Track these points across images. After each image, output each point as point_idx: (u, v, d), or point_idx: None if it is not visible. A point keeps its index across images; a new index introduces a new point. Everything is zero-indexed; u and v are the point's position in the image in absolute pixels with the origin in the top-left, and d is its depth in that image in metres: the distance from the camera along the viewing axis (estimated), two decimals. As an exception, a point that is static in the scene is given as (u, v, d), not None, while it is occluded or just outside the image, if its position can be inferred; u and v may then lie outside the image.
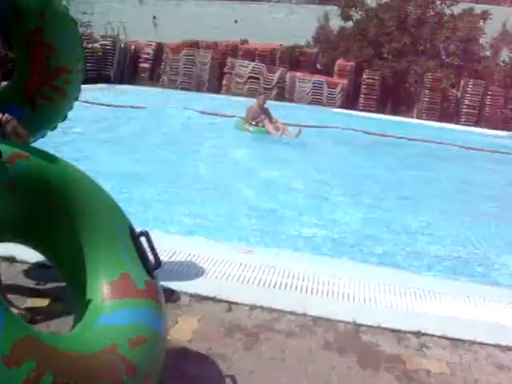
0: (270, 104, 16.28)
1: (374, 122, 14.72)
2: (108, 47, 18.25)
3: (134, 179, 6.85)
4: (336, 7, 19.79)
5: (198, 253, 4.11)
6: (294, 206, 6.42)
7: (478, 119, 17.11)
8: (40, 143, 3.09)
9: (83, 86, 3.66)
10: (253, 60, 18.16)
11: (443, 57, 17.56)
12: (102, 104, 13.52)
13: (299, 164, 9.11)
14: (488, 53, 18.16)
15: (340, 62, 17.77)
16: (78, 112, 3.53)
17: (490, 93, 17.04)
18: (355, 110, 17.18)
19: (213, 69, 18.27)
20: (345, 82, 17.23)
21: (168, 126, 11.68)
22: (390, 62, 17.43)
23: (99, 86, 17.16)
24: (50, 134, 3.60)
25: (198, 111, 13.31)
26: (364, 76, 17.38)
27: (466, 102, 17.11)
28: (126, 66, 18.80)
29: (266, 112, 11.35)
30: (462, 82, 17.24)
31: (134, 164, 7.83)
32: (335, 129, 12.72)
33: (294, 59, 18.37)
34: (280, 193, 6.93)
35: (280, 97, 17.52)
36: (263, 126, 11.05)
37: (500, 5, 19.96)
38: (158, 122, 12.03)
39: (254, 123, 11.20)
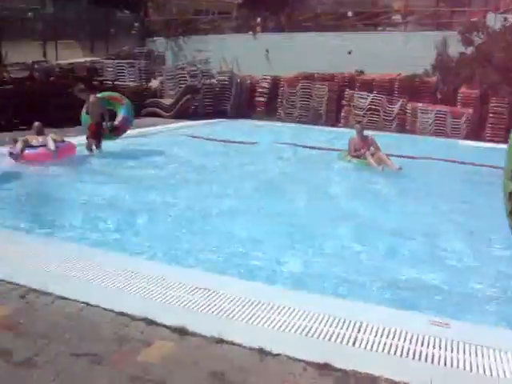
0: (392, 136, 16.06)
1: (497, 154, 13.80)
2: (225, 82, 18.55)
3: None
4: (454, 32, 19.09)
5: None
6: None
7: None
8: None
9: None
10: (370, 91, 17.77)
11: None
12: (214, 140, 13.64)
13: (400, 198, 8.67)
14: None
15: (464, 90, 16.99)
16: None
17: None
18: (481, 140, 16.33)
19: (330, 101, 18.07)
20: (470, 111, 16.43)
21: (272, 161, 11.59)
22: (520, 88, 16.42)
23: (216, 120, 17.47)
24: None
25: (305, 146, 13.07)
26: (491, 104, 16.48)
27: None
28: (242, 100, 18.99)
29: (367, 141, 11.05)
30: None
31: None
32: (449, 162, 11.96)
33: (413, 89, 17.77)
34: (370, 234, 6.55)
35: (401, 128, 16.99)
36: (365, 158, 10.72)
37: None
38: (264, 158, 11.90)
39: (355, 155, 10.97)
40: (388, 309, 4.28)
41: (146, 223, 6.67)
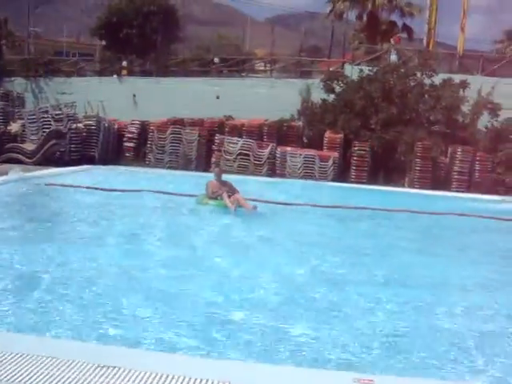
0: (260, 181, 16.34)
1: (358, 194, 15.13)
2: (92, 127, 17.84)
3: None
4: (317, 80, 20.07)
5: None
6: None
7: (469, 185, 17.26)
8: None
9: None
10: (240, 136, 18.01)
11: (431, 125, 17.79)
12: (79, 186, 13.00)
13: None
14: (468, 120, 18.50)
15: (329, 134, 17.79)
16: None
17: (478, 158, 17.27)
18: (346, 182, 17.14)
19: (200, 146, 18.01)
20: (336, 154, 17.21)
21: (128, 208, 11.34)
22: (379, 132, 17.53)
23: (84, 167, 16.66)
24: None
25: (162, 193, 12.79)
26: (355, 147, 17.40)
27: (456, 168, 17.26)
28: (110, 145, 18.36)
29: (225, 184, 11.49)
30: (450, 150, 17.45)
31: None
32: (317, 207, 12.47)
33: (281, 133, 18.29)
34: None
35: (271, 173, 17.33)
36: (221, 199, 11.19)
37: (473, 74, 20.60)
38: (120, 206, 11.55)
39: (212, 196, 11.40)
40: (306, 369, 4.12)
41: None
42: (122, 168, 17.10)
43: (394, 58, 21.48)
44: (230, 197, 11.07)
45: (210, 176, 15.92)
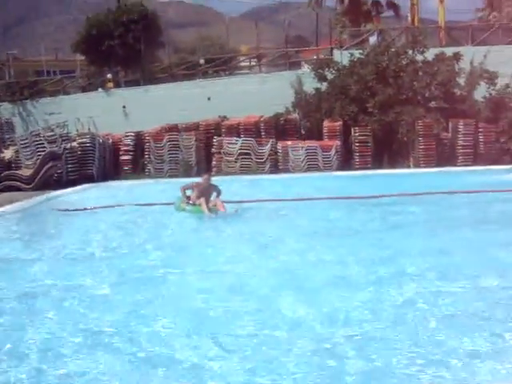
0: (266, 179, 16.07)
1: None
2: (87, 144, 17.43)
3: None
4: (307, 70, 19.77)
5: None
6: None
7: (475, 158, 17.02)
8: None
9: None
10: (238, 135, 17.68)
11: (428, 102, 17.52)
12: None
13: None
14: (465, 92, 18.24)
15: (328, 123, 17.49)
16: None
17: (480, 130, 17.04)
18: (351, 169, 16.86)
19: (198, 151, 17.66)
20: (337, 142, 16.91)
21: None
22: (377, 115, 17.24)
23: (84, 186, 16.27)
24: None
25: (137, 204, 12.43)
26: (356, 134, 17.11)
27: (460, 142, 17.01)
28: (106, 161, 17.97)
29: (210, 189, 11.24)
30: (451, 124, 17.19)
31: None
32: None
33: (279, 128, 17.97)
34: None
35: (275, 169, 17.01)
36: (199, 205, 10.94)
37: (464, 45, 20.34)
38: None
39: (191, 202, 11.16)
40: None
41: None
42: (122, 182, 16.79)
43: (373, 40, 21.17)
44: (208, 202, 10.94)
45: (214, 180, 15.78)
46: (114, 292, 6.61)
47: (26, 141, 16.93)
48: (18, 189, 15.86)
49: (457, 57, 17.88)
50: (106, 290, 6.70)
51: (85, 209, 12.43)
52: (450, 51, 18.33)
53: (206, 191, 11.16)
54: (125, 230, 10.47)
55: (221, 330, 5.26)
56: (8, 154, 17.41)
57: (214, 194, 11.24)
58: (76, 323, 5.60)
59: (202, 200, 10.89)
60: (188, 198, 11.25)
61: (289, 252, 8.18)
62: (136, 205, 12.31)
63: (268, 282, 6.80)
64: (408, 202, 11.59)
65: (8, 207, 13.05)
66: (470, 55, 17.92)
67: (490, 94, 17.64)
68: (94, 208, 12.45)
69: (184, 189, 11.32)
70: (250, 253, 8.26)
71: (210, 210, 10.82)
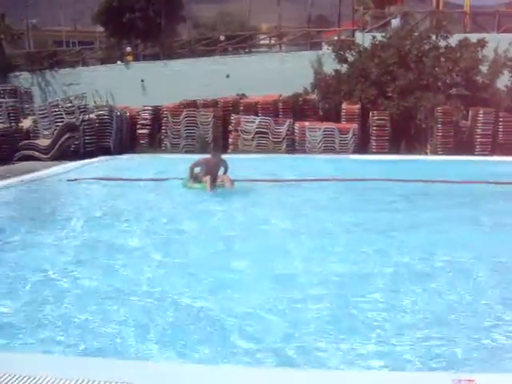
0: (283, 157, 16.08)
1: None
2: (105, 117, 17.47)
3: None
4: (328, 51, 19.59)
5: None
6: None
7: (493, 148, 16.86)
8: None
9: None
10: (255, 114, 17.63)
11: (449, 89, 17.33)
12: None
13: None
14: (487, 80, 18.01)
15: (346, 105, 17.38)
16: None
17: (500, 119, 16.84)
18: (367, 153, 16.78)
19: (215, 128, 17.64)
20: (355, 126, 16.81)
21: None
22: (397, 100, 17.09)
23: (101, 158, 16.34)
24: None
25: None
26: (374, 117, 16.98)
27: (479, 131, 16.84)
28: (123, 134, 18.01)
29: (222, 164, 11.27)
30: (471, 112, 17.01)
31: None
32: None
33: (297, 108, 17.89)
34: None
35: (291, 149, 16.98)
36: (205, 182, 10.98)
37: (489, 32, 20.01)
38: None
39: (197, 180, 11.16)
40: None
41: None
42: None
43: (395, 23, 20.84)
44: (215, 179, 10.99)
45: (228, 157, 15.83)
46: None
47: (44, 111, 17.02)
48: (37, 158, 16.00)
49: (481, 43, 17.59)
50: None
51: (92, 179, 12.57)
52: (474, 38, 18.06)
53: (215, 167, 11.17)
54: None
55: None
56: (27, 123, 17.54)
57: (222, 169, 11.24)
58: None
59: (208, 178, 10.92)
60: (196, 177, 11.21)
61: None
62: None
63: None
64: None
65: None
66: (495, 42, 17.62)
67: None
68: (102, 179, 12.55)
69: (193, 167, 11.26)
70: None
71: (216, 186, 10.88)
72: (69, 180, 12.62)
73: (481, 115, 16.80)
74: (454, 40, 17.95)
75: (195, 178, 11.23)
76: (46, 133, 16.71)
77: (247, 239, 7.75)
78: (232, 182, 10.97)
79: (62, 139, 16.21)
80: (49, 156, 15.97)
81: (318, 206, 10.06)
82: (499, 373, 3.86)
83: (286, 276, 6.04)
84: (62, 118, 16.70)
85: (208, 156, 11.60)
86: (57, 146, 16.16)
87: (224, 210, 9.93)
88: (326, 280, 5.85)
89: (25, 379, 3.55)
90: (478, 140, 16.87)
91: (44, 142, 16.35)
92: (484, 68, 17.76)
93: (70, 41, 34.11)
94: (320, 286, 5.68)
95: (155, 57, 22.63)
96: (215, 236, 7.97)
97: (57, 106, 16.99)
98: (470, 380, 3.56)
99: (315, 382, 3.70)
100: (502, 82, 17.66)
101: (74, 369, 3.76)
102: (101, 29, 26.51)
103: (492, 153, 16.65)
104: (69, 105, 17.13)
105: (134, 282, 5.89)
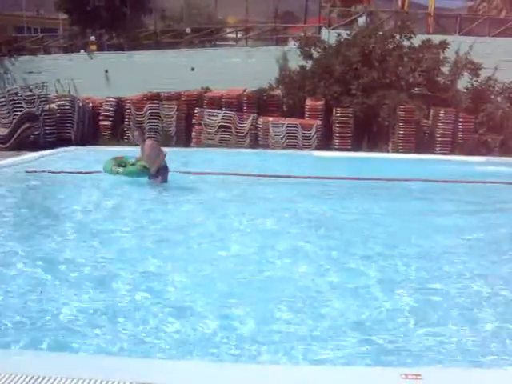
0: (245, 152, 16.09)
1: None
2: (66, 107, 17.19)
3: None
4: (294, 47, 19.63)
5: None
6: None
7: (452, 147, 17.19)
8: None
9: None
10: (219, 108, 17.57)
11: (411, 88, 17.59)
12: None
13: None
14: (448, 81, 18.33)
15: (310, 102, 17.47)
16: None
17: (460, 120, 17.18)
18: (330, 150, 16.92)
19: (179, 121, 17.53)
20: (318, 122, 16.93)
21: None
22: (360, 97, 17.26)
23: (62, 149, 16.05)
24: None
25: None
26: (337, 114, 17.13)
27: (439, 130, 17.15)
28: (85, 125, 17.74)
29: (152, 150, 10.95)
30: (432, 112, 17.31)
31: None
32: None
33: (261, 103, 17.91)
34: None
35: (254, 144, 17.00)
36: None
37: (451, 34, 20.36)
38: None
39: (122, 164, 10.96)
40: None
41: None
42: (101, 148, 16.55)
43: (362, 21, 21.09)
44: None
45: (188, 151, 15.76)
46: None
47: (2, 99, 16.63)
48: (-7, 147, 15.65)
49: (443, 45, 17.92)
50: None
51: (52, 172, 12.33)
52: (436, 39, 18.36)
53: (143, 153, 10.75)
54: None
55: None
56: (-16, 111, 17.10)
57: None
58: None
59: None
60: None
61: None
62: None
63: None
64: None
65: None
66: (457, 44, 17.97)
67: (473, 85, 17.79)
68: (61, 172, 12.33)
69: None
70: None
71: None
72: (27, 171, 12.35)
73: (441, 115, 17.11)
74: (417, 40, 18.25)
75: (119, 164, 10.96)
76: (4, 122, 16.34)
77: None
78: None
79: (21, 129, 15.90)
80: (6, 146, 15.62)
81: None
82: (444, 367, 3.98)
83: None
84: (22, 107, 16.36)
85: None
86: (15, 136, 15.83)
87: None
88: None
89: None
90: (439, 139, 17.18)
91: (2, 132, 15.99)
92: (445, 69, 18.10)
93: (32, 27, 33.33)
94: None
95: (119, 47, 22.30)
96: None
97: (16, 94, 16.64)
98: (416, 374, 3.68)
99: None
100: (462, 84, 18.01)
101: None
102: (64, 16, 25.95)
103: (451, 152, 16.99)
104: (29, 93, 16.80)
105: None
